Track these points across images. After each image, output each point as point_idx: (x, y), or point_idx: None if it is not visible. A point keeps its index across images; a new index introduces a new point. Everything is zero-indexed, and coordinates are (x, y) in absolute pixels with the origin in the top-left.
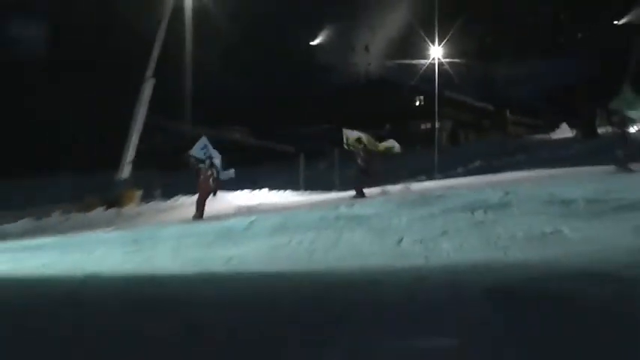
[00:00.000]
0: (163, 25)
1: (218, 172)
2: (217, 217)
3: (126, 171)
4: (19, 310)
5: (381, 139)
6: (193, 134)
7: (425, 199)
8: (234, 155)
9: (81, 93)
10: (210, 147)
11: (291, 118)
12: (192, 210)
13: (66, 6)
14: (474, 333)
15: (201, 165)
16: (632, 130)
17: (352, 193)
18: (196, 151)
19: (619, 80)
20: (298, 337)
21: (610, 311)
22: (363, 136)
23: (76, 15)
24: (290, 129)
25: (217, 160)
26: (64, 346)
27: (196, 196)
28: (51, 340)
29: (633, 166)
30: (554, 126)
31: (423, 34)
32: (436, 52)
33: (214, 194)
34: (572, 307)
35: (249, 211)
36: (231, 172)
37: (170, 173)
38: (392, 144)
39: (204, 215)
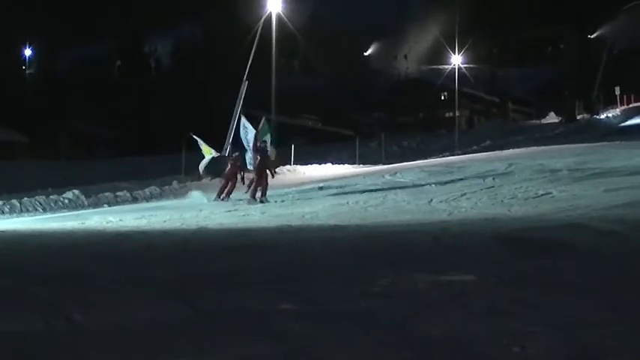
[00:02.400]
0: (256, 39)
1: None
2: (294, 185)
3: (227, 150)
4: (147, 252)
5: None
6: (277, 120)
7: (449, 169)
8: (308, 137)
9: (197, 93)
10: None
11: (351, 109)
12: (278, 178)
13: (185, 26)
14: (486, 268)
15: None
16: None
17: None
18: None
19: (592, 80)
20: (352, 268)
21: (586, 251)
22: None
23: (190, 36)
24: (350, 117)
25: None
26: (178, 282)
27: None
28: (168, 275)
29: None
30: (544, 114)
31: (446, 45)
32: (456, 59)
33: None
34: (560, 248)
35: (318, 180)
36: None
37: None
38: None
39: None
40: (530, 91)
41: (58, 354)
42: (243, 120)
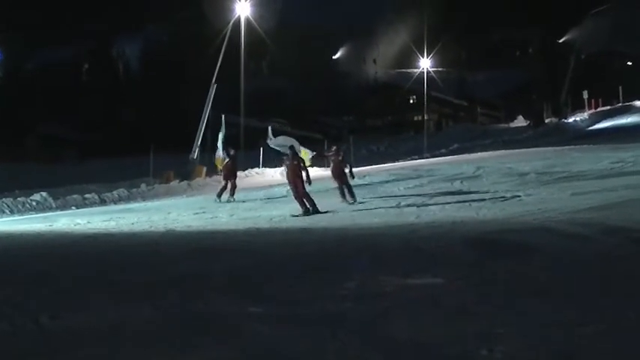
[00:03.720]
0: (224, 42)
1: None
2: (262, 187)
3: (196, 153)
4: (115, 254)
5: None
6: (245, 124)
7: (417, 172)
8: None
9: (164, 96)
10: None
11: (320, 112)
12: (247, 181)
13: (153, 32)
14: (454, 270)
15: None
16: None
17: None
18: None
19: (561, 83)
20: (320, 271)
21: (553, 254)
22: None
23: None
24: (319, 120)
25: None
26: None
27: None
28: (134, 277)
29: None
30: (512, 117)
31: (415, 49)
32: (425, 63)
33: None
34: (528, 251)
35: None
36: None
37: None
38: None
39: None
40: (499, 95)
41: (23, 355)
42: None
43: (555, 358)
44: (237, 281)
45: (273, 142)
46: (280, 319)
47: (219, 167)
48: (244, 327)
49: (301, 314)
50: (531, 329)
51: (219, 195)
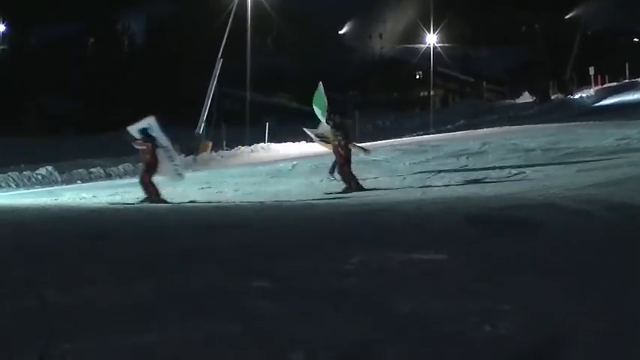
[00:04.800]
0: (230, 20)
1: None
2: (268, 162)
3: (201, 127)
4: (121, 228)
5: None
6: (252, 99)
7: (423, 148)
8: (280, 115)
9: (169, 71)
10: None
11: (325, 88)
12: (252, 156)
13: (158, 7)
14: (458, 246)
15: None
16: None
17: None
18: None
19: (567, 60)
20: (324, 246)
21: (558, 230)
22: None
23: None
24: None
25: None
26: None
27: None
28: (138, 251)
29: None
30: (518, 93)
31: (421, 25)
32: (431, 38)
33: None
34: (533, 228)
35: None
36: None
37: (234, 129)
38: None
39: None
40: (505, 71)
41: (29, 330)
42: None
43: (557, 335)
44: (240, 256)
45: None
46: (282, 294)
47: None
48: (246, 302)
49: (303, 289)
50: (534, 307)
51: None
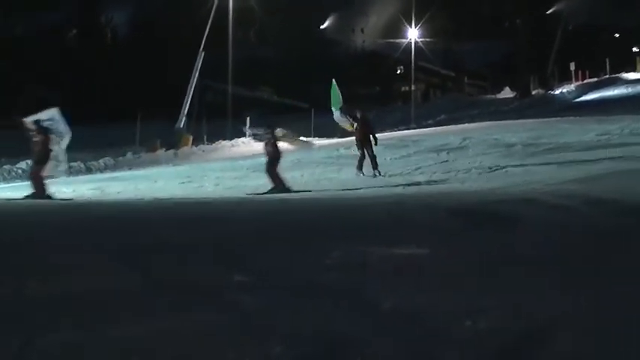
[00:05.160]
0: (212, 12)
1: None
2: (249, 156)
3: (182, 121)
4: (102, 221)
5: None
6: (234, 92)
7: (403, 142)
8: (262, 109)
9: (151, 64)
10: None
11: (306, 81)
12: (233, 150)
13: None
14: (439, 241)
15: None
16: None
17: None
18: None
19: (548, 55)
20: (305, 240)
21: (539, 225)
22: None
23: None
24: (304, 89)
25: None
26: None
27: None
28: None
29: None
30: (499, 88)
31: (403, 19)
32: (413, 33)
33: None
34: (513, 222)
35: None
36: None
37: (215, 123)
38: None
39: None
40: (486, 66)
41: (9, 321)
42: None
43: (538, 329)
44: (221, 250)
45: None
46: (263, 288)
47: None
48: (225, 296)
49: (284, 284)
50: (515, 302)
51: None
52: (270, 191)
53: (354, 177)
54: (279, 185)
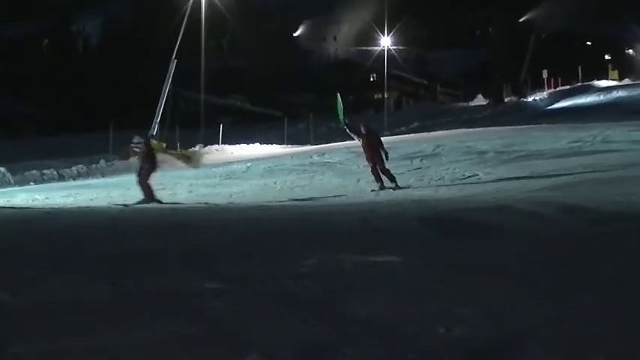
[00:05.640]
0: (184, 22)
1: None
2: (222, 164)
3: (155, 129)
4: (74, 230)
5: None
6: (206, 100)
7: None
8: (235, 117)
9: (124, 72)
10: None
11: (279, 89)
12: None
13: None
14: (412, 249)
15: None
16: None
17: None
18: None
19: (521, 63)
20: (278, 248)
21: (513, 233)
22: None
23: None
24: (278, 98)
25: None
26: (99, 261)
27: None
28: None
29: None
30: (472, 96)
31: (376, 27)
32: (385, 41)
33: None
34: (487, 230)
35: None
36: None
37: (187, 131)
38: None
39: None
40: (459, 74)
41: None
42: None
43: (511, 337)
44: (193, 258)
45: None
46: (236, 296)
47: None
48: (198, 304)
49: (257, 291)
50: (490, 309)
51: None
52: (141, 202)
53: (327, 184)
54: (149, 196)
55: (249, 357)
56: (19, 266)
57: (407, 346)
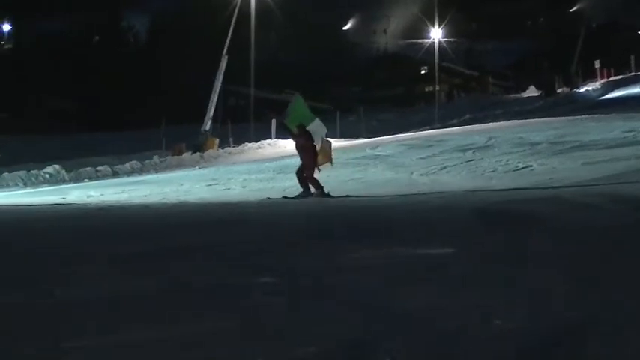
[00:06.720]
0: (234, 17)
1: None
2: (275, 159)
3: (207, 124)
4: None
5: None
6: (256, 95)
7: (428, 142)
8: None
9: (178, 68)
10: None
11: (329, 83)
12: (259, 152)
13: (162, 5)
14: (464, 241)
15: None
16: None
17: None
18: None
19: (572, 53)
20: (331, 241)
21: (565, 224)
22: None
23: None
24: (328, 91)
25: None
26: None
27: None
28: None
29: None
30: (524, 87)
31: (426, 20)
32: (436, 33)
33: None
34: (539, 221)
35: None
36: None
37: (240, 125)
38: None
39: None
40: (510, 65)
41: (35, 326)
42: None
43: (556, 331)
44: (245, 252)
45: None
46: (284, 290)
47: None
48: (247, 298)
49: (309, 285)
50: (542, 301)
51: None
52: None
53: (380, 177)
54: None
55: (296, 351)
56: (73, 262)
57: (457, 339)
